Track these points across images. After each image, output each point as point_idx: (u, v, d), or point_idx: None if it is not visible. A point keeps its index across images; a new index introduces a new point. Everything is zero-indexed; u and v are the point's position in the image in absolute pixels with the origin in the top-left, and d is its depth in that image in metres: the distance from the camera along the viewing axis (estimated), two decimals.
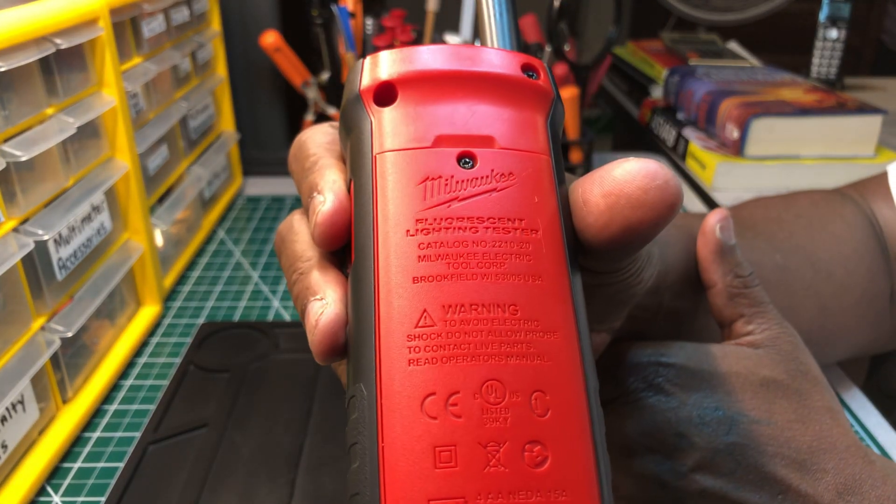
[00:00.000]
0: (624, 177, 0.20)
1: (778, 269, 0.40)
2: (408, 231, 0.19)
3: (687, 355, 0.30)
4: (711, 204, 0.80)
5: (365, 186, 0.20)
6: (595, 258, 0.22)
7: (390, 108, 0.21)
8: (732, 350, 0.31)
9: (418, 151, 0.20)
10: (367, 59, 0.22)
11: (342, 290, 0.22)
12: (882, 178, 0.47)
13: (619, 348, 0.31)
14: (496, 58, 0.22)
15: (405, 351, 0.18)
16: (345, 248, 0.22)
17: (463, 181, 0.20)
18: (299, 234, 0.24)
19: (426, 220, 0.19)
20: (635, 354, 0.30)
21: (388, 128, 0.21)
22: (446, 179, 0.20)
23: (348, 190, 0.22)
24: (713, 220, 0.34)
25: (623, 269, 0.25)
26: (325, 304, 0.21)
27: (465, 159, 0.20)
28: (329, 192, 0.22)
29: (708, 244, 0.34)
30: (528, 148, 0.21)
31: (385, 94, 0.21)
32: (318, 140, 0.25)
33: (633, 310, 0.30)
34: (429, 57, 0.22)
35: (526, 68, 0.22)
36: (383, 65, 0.22)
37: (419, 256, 0.19)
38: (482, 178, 0.20)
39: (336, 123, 0.26)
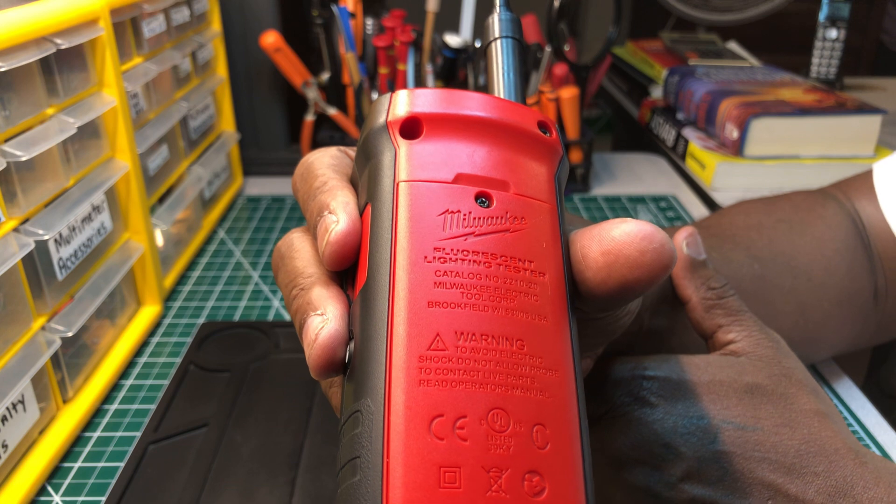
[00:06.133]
0: (623, 238, 0.22)
1: (757, 278, 0.41)
2: (426, 257, 0.20)
3: (670, 367, 0.31)
4: (711, 204, 0.80)
5: (384, 211, 0.21)
6: (589, 306, 0.23)
7: (415, 141, 0.22)
8: (715, 360, 0.31)
9: (440, 185, 0.22)
10: (397, 93, 0.23)
11: (343, 307, 0.22)
12: (867, 176, 0.48)
13: (602, 366, 0.32)
14: (515, 111, 0.24)
15: (416, 371, 0.18)
16: (348, 270, 0.23)
17: (480, 218, 0.21)
18: (300, 251, 0.25)
19: (444, 249, 0.20)
20: (619, 370, 0.31)
21: (412, 159, 0.22)
22: (464, 214, 0.21)
23: (360, 213, 0.23)
24: (680, 237, 0.36)
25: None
26: (325, 319, 0.21)
27: (482, 199, 0.22)
28: (342, 212, 0.23)
29: (678, 262, 0.35)
30: (539, 197, 0.22)
31: (411, 127, 0.23)
32: (326, 162, 0.26)
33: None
34: (454, 100, 0.23)
35: (540, 125, 0.24)
36: (411, 100, 0.23)
37: (435, 283, 0.20)
38: (497, 217, 0.21)
39: (343, 148, 0.27)
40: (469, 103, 0.23)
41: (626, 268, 0.21)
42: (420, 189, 0.21)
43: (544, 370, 0.19)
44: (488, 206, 0.21)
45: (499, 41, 0.27)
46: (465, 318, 0.19)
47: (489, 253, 0.21)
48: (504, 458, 0.18)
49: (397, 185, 0.21)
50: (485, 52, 0.28)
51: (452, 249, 0.20)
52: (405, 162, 0.22)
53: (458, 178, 0.22)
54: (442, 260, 0.20)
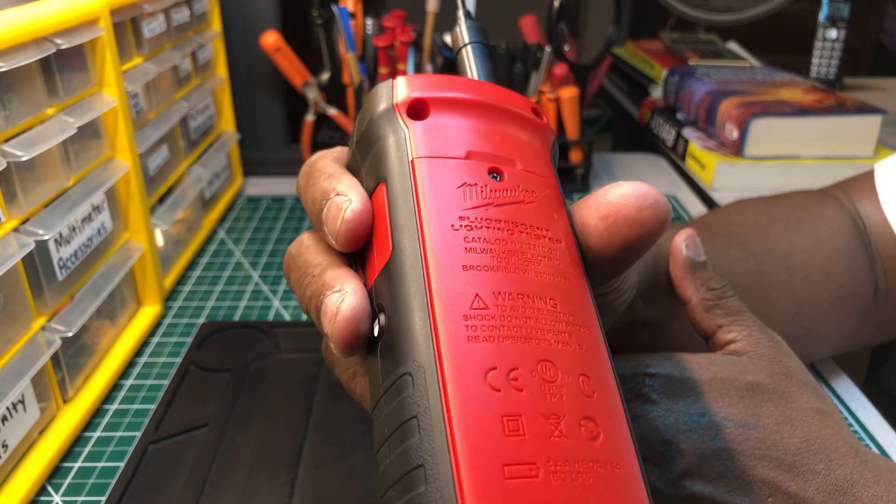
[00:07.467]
0: (619, 200, 0.23)
1: (752, 274, 0.41)
2: (452, 226, 0.21)
3: (672, 365, 0.31)
4: (711, 204, 0.80)
5: (402, 186, 0.22)
6: (596, 273, 0.24)
7: (423, 121, 0.23)
8: (716, 358, 0.32)
9: (455, 160, 0.22)
10: (397, 79, 0.24)
11: (359, 283, 0.22)
12: (868, 176, 0.48)
13: None
14: (510, 96, 0.25)
15: (463, 329, 0.19)
16: (356, 255, 0.24)
17: (496, 190, 0.22)
18: (310, 247, 0.25)
19: (468, 217, 0.21)
20: (620, 367, 0.31)
21: (424, 138, 0.23)
22: (481, 187, 0.22)
23: (369, 195, 0.24)
24: (679, 239, 0.36)
25: (615, 281, 0.27)
26: (343, 293, 0.22)
27: (494, 173, 0.23)
28: (352, 191, 0.23)
29: (677, 263, 0.36)
30: (542, 174, 0.24)
31: (418, 109, 0.24)
32: (327, 158, 0.26)
33: (613, 323, 0.31)
34: (453, 83, 0.24)
35: (533, 110, 0.25)
36: (413, 84, 0.24)
37: (466, 248, 0.20)
38: (511, 190, 0.22)
39: (346, 148, 0.28)
40: (467, 87, 0.24)
41: (626, 227, 0.22)
42: (436, 164, 0.22)
43: (578, 326, 0.20)
44: (500, 181, 0.22)
45: (468, 46, 0.28)
46: (500, 280, 0.20)
47: (510, 221, 0.22)
48: (559, 405, 0.18)
49: (412, 162, 0.22)
50: (455, 59, 0.29)
51: (476, 218, 0.21)
52: (417, 140, 0.23)
53: (470, 155, 0.23)
54: (468, 227, 0.21)
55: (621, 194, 0.22)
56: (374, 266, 0.22)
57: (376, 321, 0.21)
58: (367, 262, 0.23)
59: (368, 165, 0.24)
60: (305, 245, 0.26)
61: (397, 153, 0.23)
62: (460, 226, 0.21)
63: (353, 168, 0.25)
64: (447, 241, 0.20)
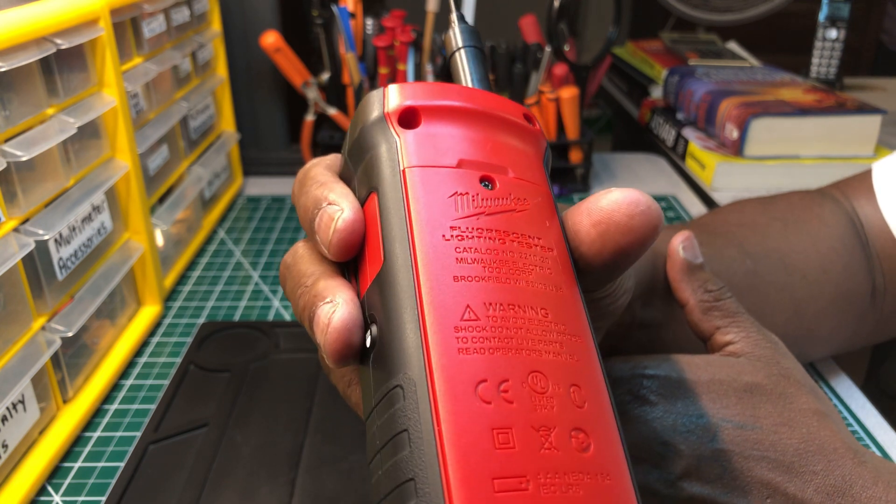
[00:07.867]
0: (610, 206, 0.23)
1: (749, 274, 0.41)
2: (444, 236, 0.21)
3: (670, 366, 0.31)
4: (711, 204, 0.80)
5: (393, 196, 0.22)
6: (589, 280, 0.24)
7: (414, 130, 0.23)
8: (714, 360, 0.32)
9: (446, 169, 0.22)
10: (388, 87, 0.24)
11: (352, 293, 0.22)
12: (865, 175, 0.48)
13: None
14: (502, 102, 0.25)
15: (454, 341, 0.19)
16: (349, 265, 0.24)
17: (487, 199, 0.22)
18: (304, 257, 0.25)
19: (459, 227, 0.21)
20: (618, 368, 0.31)
21: (415, 147, 0.23)
22: (473, 196, 0.22)
23: (361, 204, 0.23)
24: (676, 241, 0.36)
25: (610, 286, 0.27)
26: (336, 304, 0.22)
27: (486, 182, 0.23)
28: (344, 201, 0.23)
29: (675, 265, 0.36)
30: (534, 181, 0.24)
31: (409, 117, 0.23)
32: (323, 165, 0.26)
33: (610, 325, 0.31)
34: (444, 91, 0.24)
35: (525, 116, 0.25)
36: (405, 93, 0.24)
37: (457, 259, 0.20)
38: (503, 199, 0.22)
39: (340, 156, 0.28)
40: (459, 94, 0.24)
41: (619, 234, 0.22)
42: (427, 174, 0.22)
43: (569, 335, 0.20)
44: (492, 189, 0.22)
45: (461, 51, 0.28)
46: (491, 290, 0.20)
47: (501, 230, 0.21)
48: (550, 417, 0.18)
49: (403, 171, 0.22)
50: (448, 63, 0.29)
51: (467, 228, 0.21)
52: (408, 149, 0.23)
53: (461, 164, 0.23)
54: (459, 238, 0.21)
55: (613, 201, 0.23)
56: (366, 276, 0.22)
57: (368, 332, 0.21)
58: (360, 271, 0.23)
59: (360, 174, 0.24)
60: (299, 254, 0.26)
61: (389, 163, 0.23)
62: (451, 236, 0.21)
63: (345, 176, 0.25)
64: (438, 252, 0.20)
